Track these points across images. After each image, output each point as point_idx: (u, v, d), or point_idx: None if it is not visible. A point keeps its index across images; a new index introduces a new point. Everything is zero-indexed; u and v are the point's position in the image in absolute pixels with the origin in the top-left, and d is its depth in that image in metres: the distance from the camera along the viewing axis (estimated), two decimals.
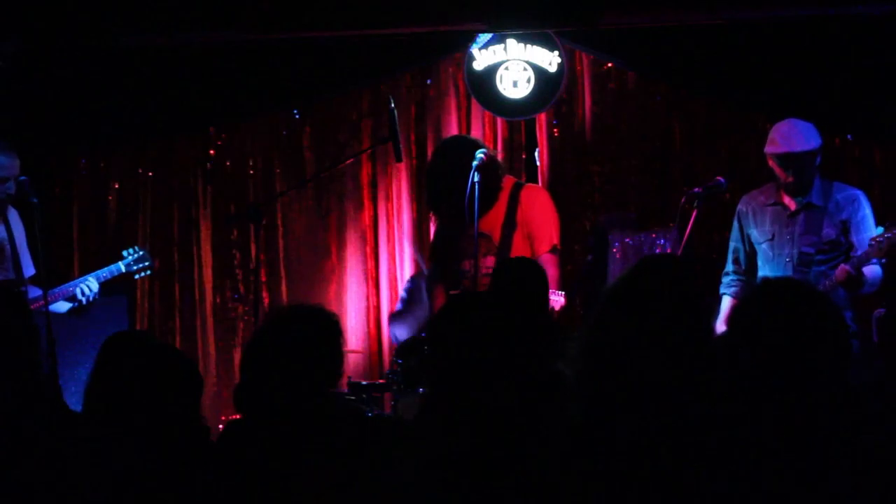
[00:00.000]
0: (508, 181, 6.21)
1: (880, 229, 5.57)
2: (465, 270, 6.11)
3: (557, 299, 5.74)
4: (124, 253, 6.31)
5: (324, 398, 3.44)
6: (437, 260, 6.36)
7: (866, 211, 5.76)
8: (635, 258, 6.89)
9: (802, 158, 5.73)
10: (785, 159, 5.74)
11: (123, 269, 6.23)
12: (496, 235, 6.06)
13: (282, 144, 7.41)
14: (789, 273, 5.68)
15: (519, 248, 5.99)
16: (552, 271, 5.90)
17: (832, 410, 2.69)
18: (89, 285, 6.03)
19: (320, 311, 3.54)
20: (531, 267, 5.13)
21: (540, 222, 6.06)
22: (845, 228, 5.72)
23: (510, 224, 6.04)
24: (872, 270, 5.62)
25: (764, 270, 5.88)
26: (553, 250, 6.04)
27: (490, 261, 6.07)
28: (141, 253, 6.32)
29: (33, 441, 3.46)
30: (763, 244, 5.95)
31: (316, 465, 3.27)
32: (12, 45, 6.85)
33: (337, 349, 3.48)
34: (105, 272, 6.14)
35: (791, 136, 5.78)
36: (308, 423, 3.36)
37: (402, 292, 6.82)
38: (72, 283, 6.06)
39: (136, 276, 6.35)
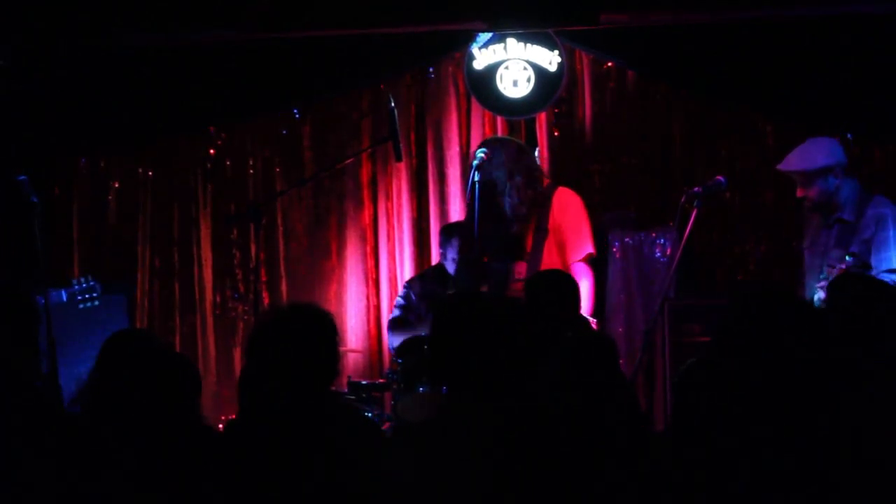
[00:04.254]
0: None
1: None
2: (494, 273, 6.06)
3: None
4: (73, 281, 6.27)
5: (322, 397, 3.44)
6: (466, 261, 6.26)
7: (889, 232, 5.64)
8: (635, 258, 6.90)
9: (797, 177, 5.76)
10: (789, 175, 5.80)
11: (65, 299, 6.20)
12: (528, 241, 6.01)
13: (282, 144, 7.41)
14: (821, 283, 5.62)
15: (550, 254, 5.92)
16: (588, 281, 5.87)
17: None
18: None
19: (315, 310, 3.54)
20: (563, 279, 5.11)
21: (571, 230, 5.96)
22: (868, 248, 5.66)
23: (541, 229, 5.96)
24: None
25: (807, 277, 5.86)
26: (588, 259, 5.97)
27: (522, 266, 6.03)
28: (91, 283, 6.26)
29: (32, 441, 3.46)
30: (805, 250, 5.94)
31: (315, 464, 3.27)
32: (12, 45, 6.85)
33: (333, 347, 3.48)
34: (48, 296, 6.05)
35: (792, 154, 5.83)
36: (307, 422, 3.36)
37: (398, 298, 6.81)
38: None
39: (81, 307, 6.24)
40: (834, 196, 5.73)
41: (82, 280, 6.26)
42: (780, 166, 5.86)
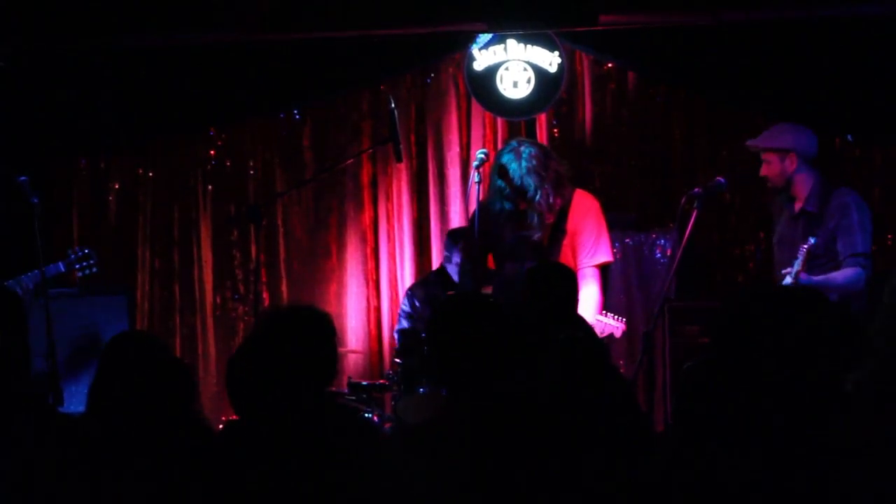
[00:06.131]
0: None
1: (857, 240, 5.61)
2: (507, 274, 5.98)
3: (618, 325, 5.60)
4: (69, 251, 6.35)
5: (320, 398, 3.44)
6: (477, 260, 6.16)
7: (853, 218, 5.70)
8: (635, 258, 6.90)
9: (761, 154, 5.85)
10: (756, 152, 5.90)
11: (63, 269, 6.26)
12: (545, 241, 5.93)
13: (282, 144, 7.41)
14: (786, 270, 5.66)
15: (566, 256, 5.84)
16: (596, 286, 5.75)
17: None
18: (24, 283, 6.03)
19: (312, 311, 3.54)
20: (562, 272, 5.05)
21: (589, 234, 5.82)
22: (833, 236, 5.71)
23: (560, 231, 5.87)
24: (829, 277, 5.62)
25: (777, 270, 5.90)
26: (601, 266, 5.88)
27: None
28: (86, 251, 6.34)
29: (31, 442, 3.46)
30: (774, 244, 5.98)
31: (314, 465, 3.27)
32: (12, 45, 6.85)
33: (331, 347, 3.47)
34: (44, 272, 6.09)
35: (768, 130, 5.91)
36: (305, 423, 3.36)
37: (402, 308, 6.79)
38: (13, 280, 6.07)
39: (80, 275, 6.37)
40: (791, 182, 5.82)
41: (77, 250, 6.33)
42: (748, 142, 5.93)
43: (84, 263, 6.34)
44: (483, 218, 5.75)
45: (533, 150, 5.76)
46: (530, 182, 5.67)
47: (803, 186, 5.80)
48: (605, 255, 5.84)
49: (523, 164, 5.68)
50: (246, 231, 7.36)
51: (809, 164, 5.82)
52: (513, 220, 5.78)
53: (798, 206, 5.84)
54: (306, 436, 3.31)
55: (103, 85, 7.08)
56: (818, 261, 5.68)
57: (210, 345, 7.43)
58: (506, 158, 5.73)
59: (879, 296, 3.13)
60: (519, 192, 5.69)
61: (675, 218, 5.88)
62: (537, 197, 5.68)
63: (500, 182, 5.70)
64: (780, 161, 5.79)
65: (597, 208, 5.92)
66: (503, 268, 5.89)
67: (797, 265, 5.54)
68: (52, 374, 5.43)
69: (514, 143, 5.88)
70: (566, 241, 5.82)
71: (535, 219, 5.75)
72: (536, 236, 5.78)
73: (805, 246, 5.53)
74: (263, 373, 3.38)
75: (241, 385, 3.41)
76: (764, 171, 5.87)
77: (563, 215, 5.82)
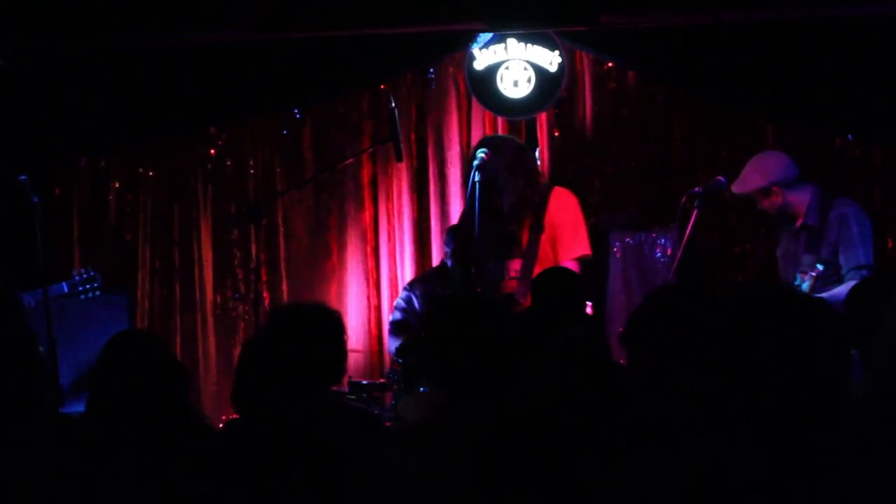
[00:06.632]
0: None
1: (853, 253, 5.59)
2: (489, 271, 6.05)
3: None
4: (74, 272, 6.30)
5: (324, 396, 3.44)
6: (461, 260, 6.25)
7: (853, 230, 5.67)
8: (635, 258, 6.89)
9: (746, 197, 5.85)
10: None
11: (66, 290, 6.23)
12: (524, 238, 6.01)
13: (282, 144, 7.41)
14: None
15: (545, 252, 5.92)
16: None
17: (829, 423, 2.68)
18: (26, 301, 6.01)
19: (322, 309, 3.54)
20: (569, 276, 5.08)
21: (567, 228, 5.95)
22: (835, 249, 5.69)
23: (537, 227, 5.95)
24: (833, 294, 5.58)
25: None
26: (580, 259, 5.96)
27: (517, 264, 6.03)
28: (91, 274, 6.30)
29: (32, 442, 3.46)
30: (778, 257, 5.97)
31: (314, 464, 3.27)
32: (12, 45, 6.85)
33: (339, 346, 3.48)
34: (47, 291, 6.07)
35: (740, 175, 5.87)
36: (310, 421, 3.36)
37: (399, 300, 6.80)
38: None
39: (82, 297, 6.30)
40: (788, 208, 5.80)
41: (82, 271, 6.31)
42: (733, 189, 5.91)
43: (88, 286, 6.30)
44: (467, 214, 5.83)
45: (507, 145, 5.92)
46: (504, 175, 5.76)
47: (800, 205, 5.77)
48: (583, 249, 5.95)
49: (498, 158, 5.79)
50: (246, 230, 7.36)
51: (797, 184, 5.78)
52: (488, 214, 5.87)
53: (799, 221, 5.82)
54: (307, 435, 3.31)
55: (103, 85, 7.08)
56: (824, 273, 5.65)
57: (210, 344, 7.43)
58: (480, 153, 5.84)
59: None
60: (493, 185, 5.78)
61: (675, 217, 5.89)
62: (510, 189, 5.78)
63: (474, 175, 5.78)
64: (767, 198, 5.79)
65: (574, 203, 6.07)
66: (487, 267, 5.97)
67: (804, 289, 5.51)
68: (51, 374, 5.43)
69: (489, 138, 6.04)
70: (545, 237, 5.94)
71: (509, 209, 5.83)
72: (512, 228, 5.86)
73: (813, 273, 5.51)
74: (270, 371, 3.39)
75: (248, 384, 3.41)
76: (759, 206, 5.87)
77: (540, 212, 5.94)
